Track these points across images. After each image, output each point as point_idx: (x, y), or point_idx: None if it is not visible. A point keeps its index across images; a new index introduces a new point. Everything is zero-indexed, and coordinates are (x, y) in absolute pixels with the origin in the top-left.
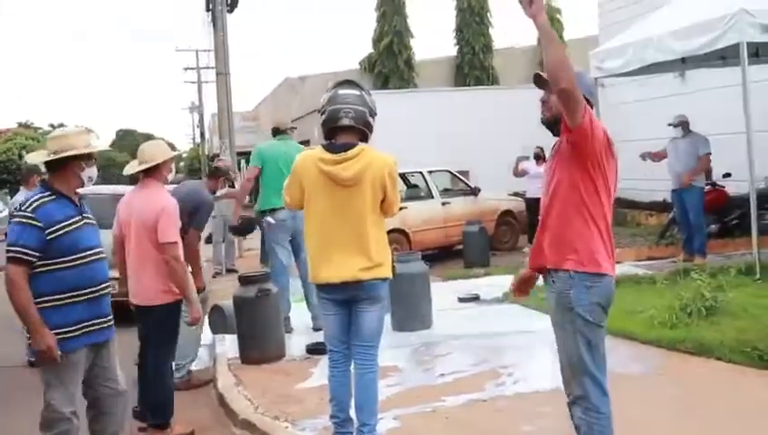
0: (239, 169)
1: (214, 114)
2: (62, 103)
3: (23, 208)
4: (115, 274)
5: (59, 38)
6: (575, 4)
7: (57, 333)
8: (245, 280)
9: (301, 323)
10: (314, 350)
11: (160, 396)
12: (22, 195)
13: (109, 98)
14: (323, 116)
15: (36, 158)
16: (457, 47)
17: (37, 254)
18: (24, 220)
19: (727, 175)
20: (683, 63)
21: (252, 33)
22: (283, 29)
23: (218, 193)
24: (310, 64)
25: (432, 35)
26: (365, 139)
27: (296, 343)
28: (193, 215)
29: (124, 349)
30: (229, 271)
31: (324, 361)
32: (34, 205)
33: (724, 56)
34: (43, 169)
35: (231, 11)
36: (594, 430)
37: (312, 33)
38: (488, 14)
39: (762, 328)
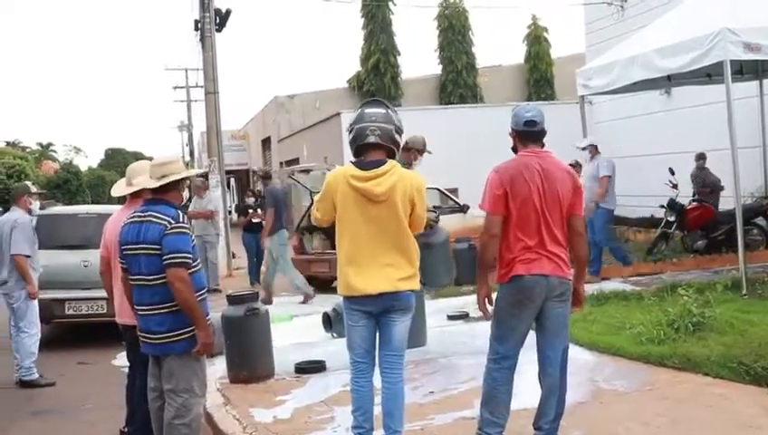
0: (228, 187)
1: (203, 133)
2: (50, 122)
3: (182, 222)
4: (104, 293)
5: (47, 56)
6: (563, 23)
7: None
8: (234, 299)
9: (289, 342)
10: (303, 369)
11: (148, 416)
12: (16, 213)
13: (97, 116)
14: (351, 134)
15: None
16: (441, 66)
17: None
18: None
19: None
20: (668, 81)
21: (240, 52)
22: (272, 48)
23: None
24: (298, 83)
25: (419, 53)
26: (392, 155)
27: (286, 362)
28: None
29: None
30: (212, 291)
31: (313, 380)
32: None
33: (710, 73)
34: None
35: (219, 30)
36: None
37: (301, 52)
38: (470, 33)
39: (748, 343)
